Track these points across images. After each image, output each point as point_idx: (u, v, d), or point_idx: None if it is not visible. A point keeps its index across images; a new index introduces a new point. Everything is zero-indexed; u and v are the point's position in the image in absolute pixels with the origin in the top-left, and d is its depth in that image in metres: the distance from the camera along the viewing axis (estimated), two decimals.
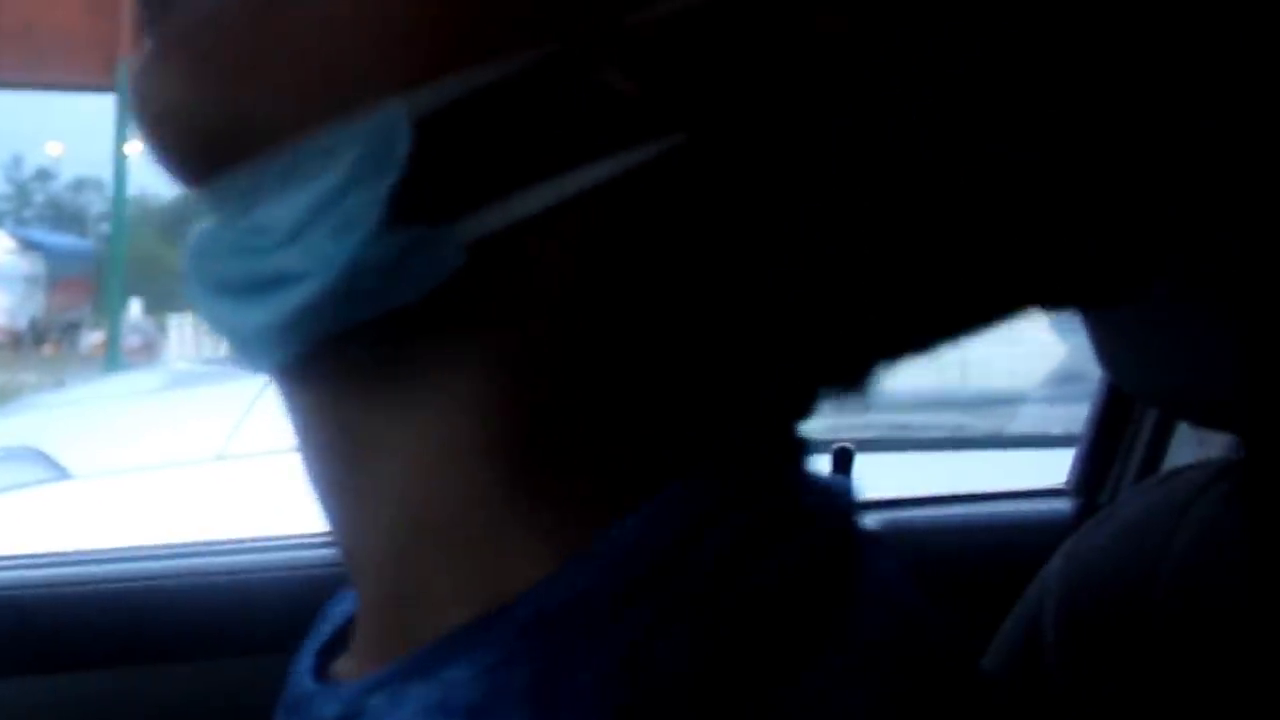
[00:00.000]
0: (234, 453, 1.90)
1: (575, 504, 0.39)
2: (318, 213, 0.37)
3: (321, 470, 0.42)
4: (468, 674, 0.37)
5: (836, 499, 0.42)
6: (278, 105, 0.38)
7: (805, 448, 0.43)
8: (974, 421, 2.97)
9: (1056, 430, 2.27)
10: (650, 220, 0.38)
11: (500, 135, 0.37)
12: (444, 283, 0.37)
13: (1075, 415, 1.90)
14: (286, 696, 0.44)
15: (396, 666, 0.39)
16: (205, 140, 0.39)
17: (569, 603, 0.37)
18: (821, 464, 0.44)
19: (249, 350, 0.39)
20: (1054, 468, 1.66)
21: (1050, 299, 0.41)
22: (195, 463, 2.17)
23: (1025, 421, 2.64)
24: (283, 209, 0.37)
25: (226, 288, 0.39)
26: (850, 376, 0.42)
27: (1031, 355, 2.96)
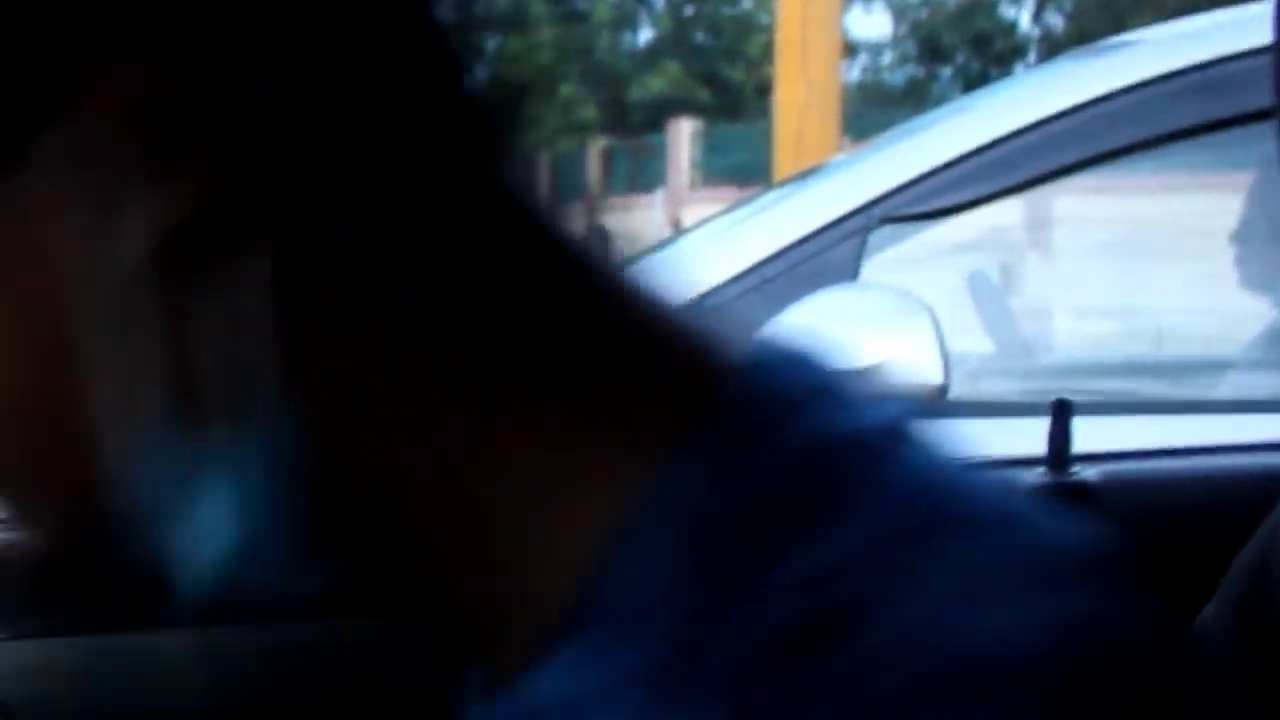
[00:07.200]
0: None
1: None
2: None
3: None
4: (568, 667, 0.38)
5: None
6: None
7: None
8: (1173, 389, 2.88)
9: (1267, 395, 2.19)
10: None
11: None
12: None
13: None
14: None
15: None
16: None
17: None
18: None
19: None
20: (1265, 433, 1.61)
21: None
22: None
23: (1230, 388, 2.55)
24: None
25: None
26: None
27: (1232, 322, 2.87)
